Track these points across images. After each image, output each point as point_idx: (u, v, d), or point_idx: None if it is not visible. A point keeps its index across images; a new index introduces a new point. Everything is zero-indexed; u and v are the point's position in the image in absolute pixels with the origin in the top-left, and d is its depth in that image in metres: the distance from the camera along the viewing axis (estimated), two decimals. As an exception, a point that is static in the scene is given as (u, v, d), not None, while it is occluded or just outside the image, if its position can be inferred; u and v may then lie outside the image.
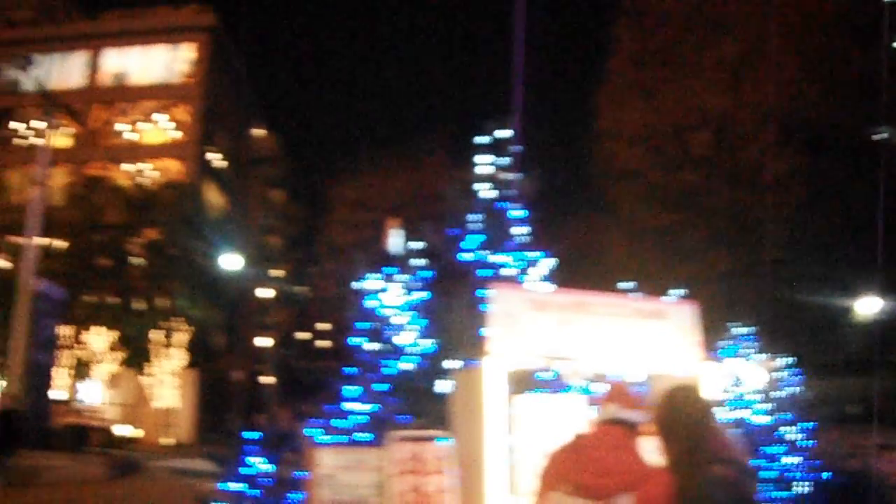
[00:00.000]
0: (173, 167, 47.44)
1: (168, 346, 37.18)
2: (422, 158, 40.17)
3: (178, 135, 49.76)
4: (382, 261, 8.51)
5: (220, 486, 7.73)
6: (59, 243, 35.25)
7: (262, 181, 59.26)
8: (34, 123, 51.46)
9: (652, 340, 5.95)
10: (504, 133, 8.44)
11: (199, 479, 21.27)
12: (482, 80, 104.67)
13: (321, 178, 50.94)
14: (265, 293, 50.34)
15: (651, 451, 3.62)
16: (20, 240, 42.13)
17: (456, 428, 5.94)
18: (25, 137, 52.06)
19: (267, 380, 45.85)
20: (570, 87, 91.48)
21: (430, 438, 6.00)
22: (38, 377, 19.76)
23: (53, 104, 25.03)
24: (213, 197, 48.87)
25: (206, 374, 41.40)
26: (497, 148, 8.41)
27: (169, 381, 37.71)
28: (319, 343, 55.90)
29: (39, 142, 50.04)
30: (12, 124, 52.45)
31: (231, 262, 36.00)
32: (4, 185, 50.97)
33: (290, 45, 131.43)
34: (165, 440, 36.90)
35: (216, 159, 51.35)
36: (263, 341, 49.92)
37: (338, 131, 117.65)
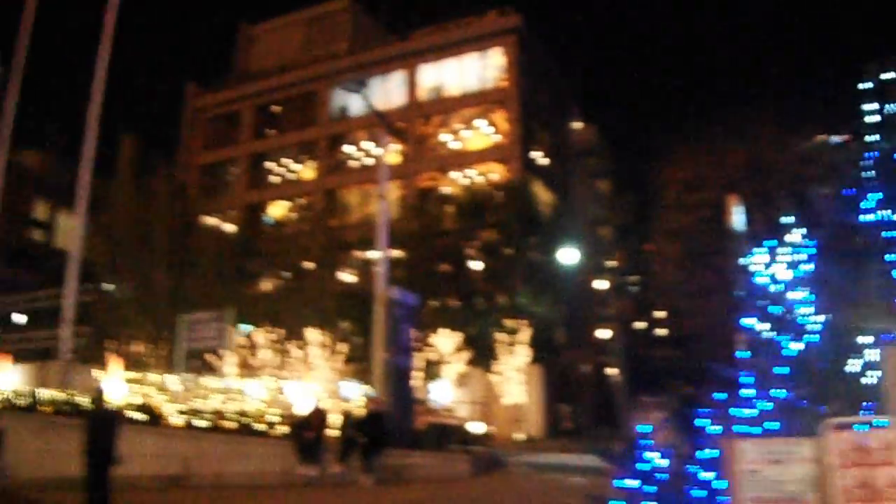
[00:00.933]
0: (498, 170, 48.13)
1: (512, 343, 37.53)
2: (754, 130, 37.74)
3: (499, 138, 50.49)
4: (764, 235, 7.58)
5: (615, 483, 7.16)
6: (399, 253, 36.61)
7: (587, 173, 58.78)
8: (364, 145, 54.62)
9: None
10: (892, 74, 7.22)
11: (563, 474, 21.05)
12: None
13: (647, 162, 49.50)
14: (601, 284, 49.86)
15: None
16: (365, 254, 44.95)
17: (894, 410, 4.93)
18: (357, 159, 55.18)
19: (613, 372, 45.29)
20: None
21: (871, 425, 5.06)
22: (400, 380, 20.35)
23: (385, 123, 25.76)
24: (541, 194, 49.03)
25: (551, 369, 41.44)
26: (883, 93, 7.23)
27: (515, 377, 38.01)
28: (658, 331, 54.69)
29: (370, 162, 53.42)
30: (345, 148, 55.78)
31: (566, 256, 35.82)
32: (344, 205, 54.09)
33: (597, 32, 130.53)
34: (517, 436, 37.19)
35: (539, 157, 51.55)
36: (604, 333, 49.39)
37: (658, 112, 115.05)
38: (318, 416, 19.10)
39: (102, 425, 14.40)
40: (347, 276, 45.40)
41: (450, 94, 53.71)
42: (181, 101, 64.21)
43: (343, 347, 32.00)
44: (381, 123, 25.67)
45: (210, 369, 30.33)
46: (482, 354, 37.37)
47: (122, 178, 45.80)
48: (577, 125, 60.62)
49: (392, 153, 52.21)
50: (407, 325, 20.69)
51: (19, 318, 48.97)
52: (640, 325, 58.47)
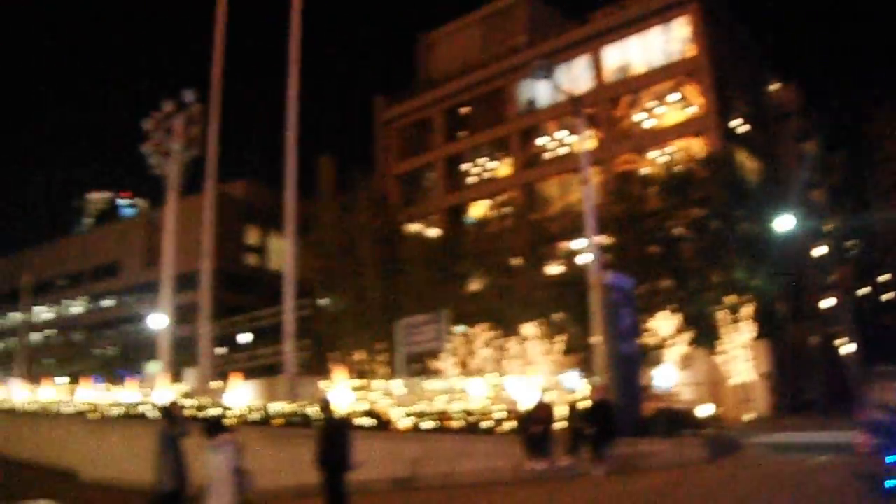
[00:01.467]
0: (697, 143, 46.59)
1: (735, 320, 36.09)
2: None
3: (694, 110, 49.01)
4: None
5: (887, 459, 6.41)
6: (606, 239, 35.90)
7: (791, 135, 55.99)
8: (557, 135, 54.21)
9: None
10: None
11: (806, 454, 19.88)
12: None
13: (857, 117, 46.45)
14: (819, 251, 47.31)
15: None
16: (571, 244, 44.55)
17: None
18: (551, 150, 54.80)
19: (843, 343, 42.84)
20: None
21: None
22: (624, 366, 19.76)
23: (578, 105, 25.16)
24: (745, 163, 47.07)
25: (777, 345, 39.62)
26: None
27: (741, 355, 36.53)
28: (884, 296, 51.43)
29: (565, 151, 52.93)
30: (538, 141, 55.53)
31: (779, 224, 34.12)
32: (543, 197, 53.84)
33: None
34: (746, 416, 35.79)
35: (738, 125, 49.57)
36: (827, 302, 46.80)
37: (863, 62, 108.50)
38: (544, 410, 18.77)
39: (334, 433, 14.62)
40: (555, 269, 45.05)
41: (637, 73, 52.54)
42: (370, 116, 65.97)
43: (560, 339, 31.72)
44: (574, 106, 25.03)
45: (430, 371, 30.70)
46: (704, 334, 36.13)
47: (324, 197, 47.32)
48: (775, 86, 57.96)
49: (587, 138, 51.78)
50: (626, 309, 20.03)
51: (245, 338, 51.52)
52: (863, 290, 55.14)
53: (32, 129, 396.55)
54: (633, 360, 19.99)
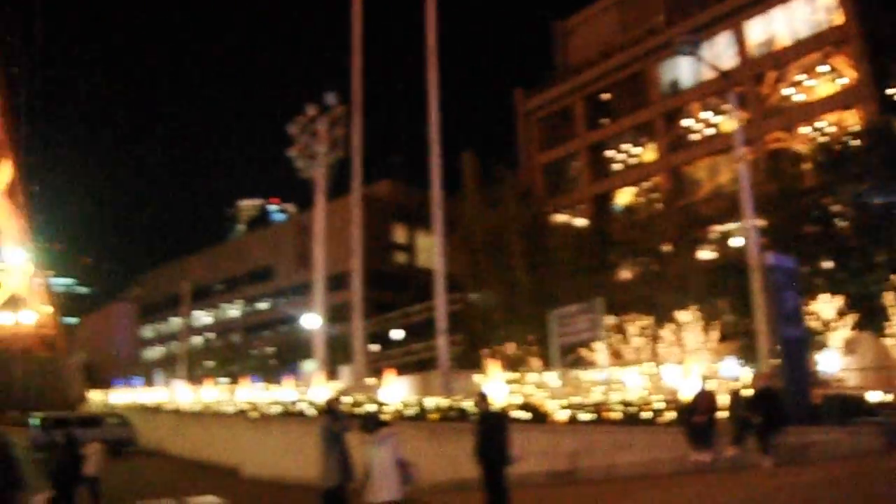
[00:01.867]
0: (850, 116, 44.47)
1: (903, 300, 34.21)
2: None
3: (845, 81, 46.78)
4: None
5: None
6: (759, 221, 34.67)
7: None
8: (702, 115, 52.86)
9: None
10: None
11: None
12: None
13: None
14: None
15: None
16: (723, 227, 43.29)
17: None
18: (697, 131, 53.48)
19: None
20: None
21: None
22: (790, 351, 18.85)
23: (727, 78, 24.34)
24: (904, 132, 44.64)
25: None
26: None
27: (915, 337, 34.56)
28: None
29: (711, 132, 51.51)
30: (683, 123, 54.27)
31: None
32: (692, 180, 52.63)
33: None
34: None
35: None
36: None
37: None
38: (707, 399, 18.13)
39: (492, 427, 14.53)
40: (707, 254, 43.88)
41: (783, 45, 50.49)
42: (510, 108, 65.94)
43: (716, 325, 30.81)
44: (724, 79, 24.21)
45: (584, 362, 30.30)
46: (869, 317, 34.38)
47: (468, 192, 47.48)
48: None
49: (738, 114, 50.20)
50: (790, 291, 19.13)
51: (397, 335, 52.36)
52: None
53: (185, 141, 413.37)
54: (799, 344, 19.04)
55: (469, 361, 36.18)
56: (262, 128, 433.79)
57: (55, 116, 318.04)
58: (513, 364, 34.81)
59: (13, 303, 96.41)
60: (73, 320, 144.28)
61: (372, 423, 14.38)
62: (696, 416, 17.79)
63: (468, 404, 22.39)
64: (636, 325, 33.02)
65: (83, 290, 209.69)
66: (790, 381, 18.22)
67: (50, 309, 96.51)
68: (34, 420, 40.33)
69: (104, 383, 75.89)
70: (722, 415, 18.02)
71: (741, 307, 29.39)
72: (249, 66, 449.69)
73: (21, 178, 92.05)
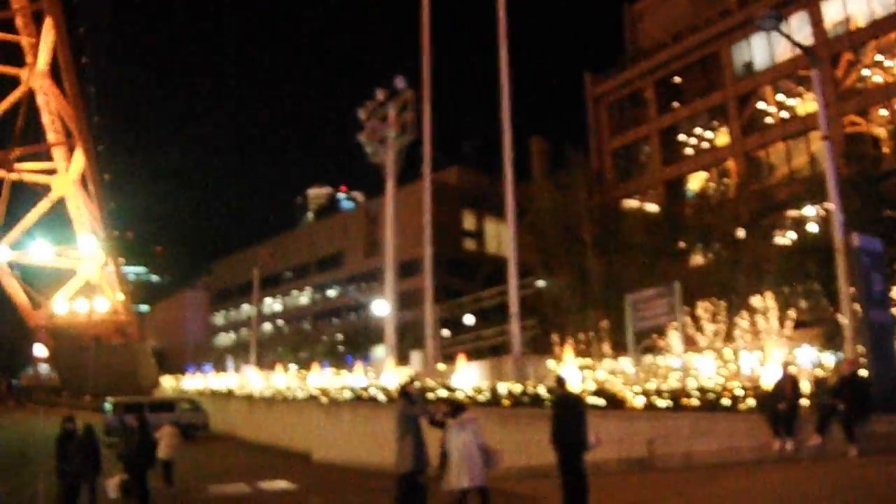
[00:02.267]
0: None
1: None
2: None
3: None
4: None
5: None
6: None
7: None
8: (777, 98, 51.77)
9: None
10: None
11: None
12: None
13: None
14: None
15: None
16: (800, 211, 42.34)
17: None
18: (771, 114, 52.41)
19: None
20: None
21: None
22: (880, 336, 18.21)
23: (809, 52, 23.69)
24: None
25: None
26: None
27: None
28: None
29: (785, 115, 50.41)
30: (757, 106, 53.21)
31: None
32: (767, 164, 51.69)
33: None
34: None
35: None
36: None
37: None
38: (790, 385, 17.57)
39: (569, 412, 14.25)
40: (783, 238, 42.97)
41: (859, 26, 49.10)
42: (579, 92, 65.57)
43: (794, 310, 30.09)
44: (808, 55, 23.54)
45: (658, 348, 29.86)
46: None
47: (537, 177, 47.20)
48: None
49: (808, 101, 49.02)
50: (877, 274, 18.47)
51: (468, 320, 52.40)
52: None
53: (256, 130, 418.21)
54: (887, 329, 18.38)
55: (541, 346, 35.96)
56: (330, 117, 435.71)
57: (127, 106, 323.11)
58: (584, 349, 34.50)
59: (87, 290, 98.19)
60: (145, 308, 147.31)
61: (455, 408, 14.30)
62: (777, 403, 17.30)
63: (541, 390, 22.18)
64: (710, 311, 32.42)
65: (155, 278, 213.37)
66: (877, 366, 17.59)
67: (122, 297, 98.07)
68: (108, 405, 40.96)
69: (176, 369, 77.05)
70: (805, 402, 17.49)
71: (821, 292, 28.69)
72: (320, 54, 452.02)
73: (93, 166, 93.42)
